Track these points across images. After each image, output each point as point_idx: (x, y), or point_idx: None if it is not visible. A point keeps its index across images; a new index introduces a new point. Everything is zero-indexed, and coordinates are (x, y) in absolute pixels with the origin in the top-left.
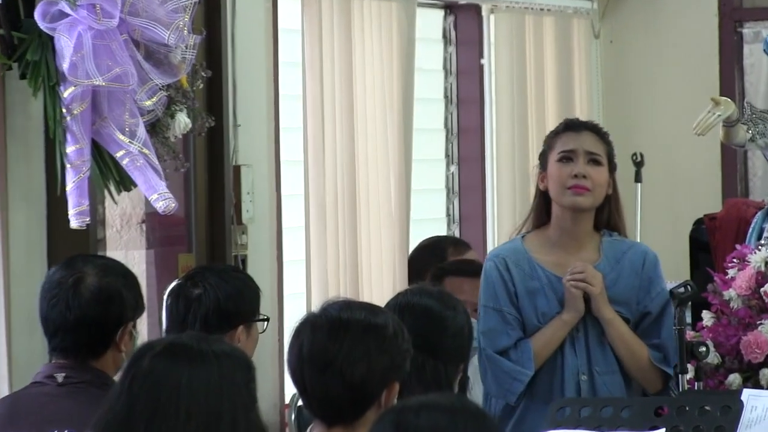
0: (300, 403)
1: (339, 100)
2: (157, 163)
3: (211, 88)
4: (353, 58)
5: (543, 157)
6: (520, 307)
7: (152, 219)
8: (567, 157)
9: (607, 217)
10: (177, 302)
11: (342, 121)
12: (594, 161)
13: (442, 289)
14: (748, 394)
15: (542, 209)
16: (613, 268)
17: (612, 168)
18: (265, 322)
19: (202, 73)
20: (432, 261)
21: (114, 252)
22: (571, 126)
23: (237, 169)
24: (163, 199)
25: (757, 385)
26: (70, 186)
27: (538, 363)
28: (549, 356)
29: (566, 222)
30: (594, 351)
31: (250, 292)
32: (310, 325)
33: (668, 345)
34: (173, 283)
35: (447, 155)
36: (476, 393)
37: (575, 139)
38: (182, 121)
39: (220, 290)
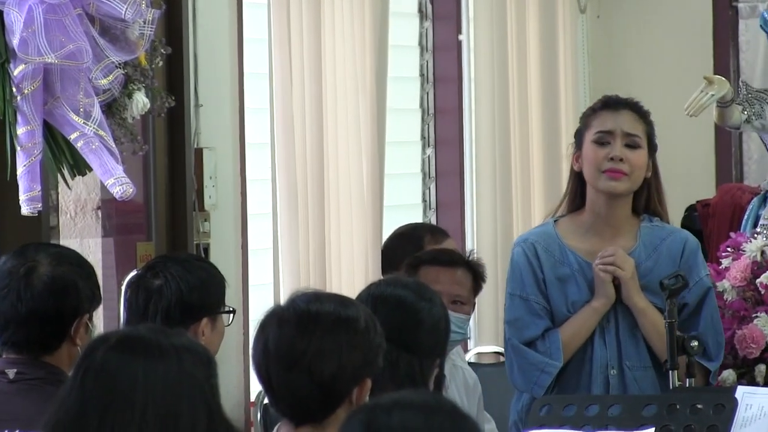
0: (266, 401)
1: (308, 79)
2: (113, 145)
3: (171, 65)
4: (323, 33)
5: (578, 136)
6: (548, 295)
7: (109, 205)
8: (603, 139)
9: (646, 201)
10: (137, 294)
11: (311, 101)
12: (632, 143)
13: (417, 279)
14: (742, 392)
15: (576, 192)
16: (650, 256)
17: (652, 149)
18: (231, 315)
19: (162, 50)
20: (408, 250)
21: (68, 240)
22: (608, 104)
23: (199, 152)
24: (120, 184)
25: (753, 382)
26: (20, 170)
27: (568, 354)
28: (579, 347)
29: (601, 207)
30: (625, 344)
31: (215, 282)
32: (276, 318)
33: (708, 337)
34: (132, 274)
35: (423, 137)
36: (453, 392)
37: (613, 118)
38: (140, 101)
39: (182, 281)
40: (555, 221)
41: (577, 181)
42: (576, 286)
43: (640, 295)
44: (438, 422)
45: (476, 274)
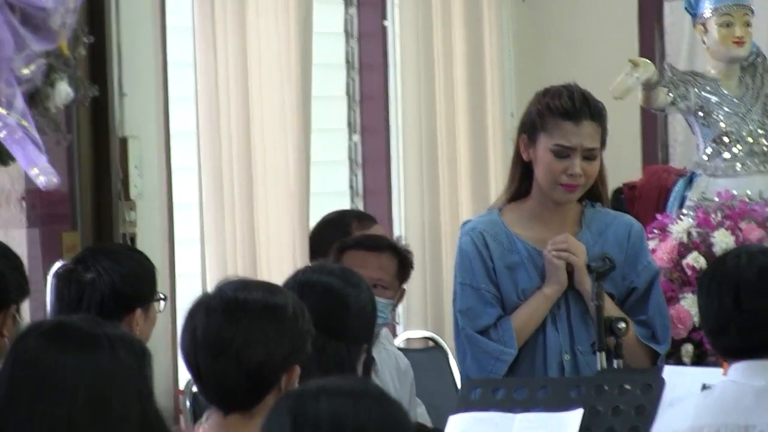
0: (195, 389)
1: (233, 67)
2: (36, 135)
3: (94, 54)
4: (247, 21)
5: (531, 127)
6: (498, 283)
7: (33, 195)
8: (563, 153)
9: (589, 188)
10: (68, 287)
11: (236, 89)
12: (591, 156)
13: (343, 266)
14: (670, 372)
15: (523, 181)
16: (596, 241)
17: (604, 145)
18: (163, 302)
19: (84, 39)
20: (336, 236)
21: None
22: (571, 114)
23: (123, 142)
24: (45, 174)
25: (680, 362)
26: None
27: (520, 341)
28: (531, 334)
29: (549, 202)
30: (577, 329)
31: (146, 272)
32: (204, 306)
33: (656, 321)
34: (60, 265)
35: (349, 124)
36: (385, 376)
37: (575, 133)
38: (63, 90)
39: (114, 273)
40: (499, 210)
41: (525, 170)
42: (526, 273)
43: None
44: (366, 407)
45: (403, 260)
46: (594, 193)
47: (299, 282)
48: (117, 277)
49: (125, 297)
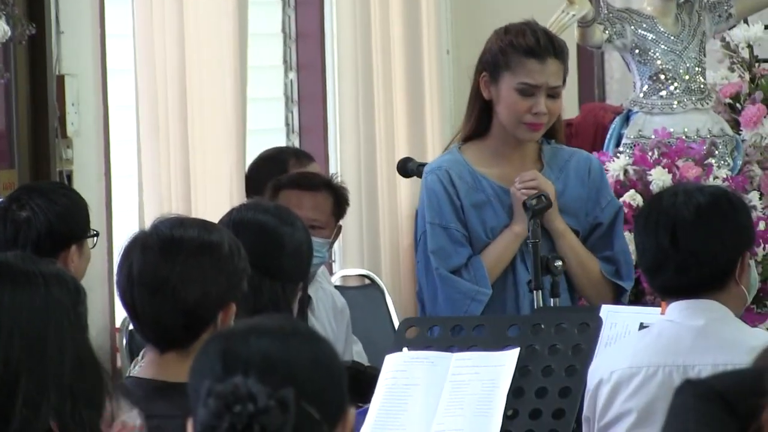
0: (132, 326)
1: (169, 4)
2: None
3: None
4: None
5: (493, 65)
6: (466, 222)
7: None
8: (528, 91)
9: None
10: (4, 226)
11: (173, 26)
12: (554, 94)
13: (279, 204)
14: (607, 311)
15: (483, 119)
16: (558, 177)
17: (564, 82)
18: (95, 238)
19: None
20: (273, 173)
21: None
22: (536, 53)
23: (61, 79)
24: None
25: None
26: None
27: (491, 280)
28: (501, 273)
29: (510, 139)
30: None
31: (80, 210)
32: (140, 244)
33: (620, 257)
34: None
35: (285, 61)
36: (321, 315)
37: (540, 71)
38: (0, 28)
39: (49, 212)
40: (459, 148)
41: (485, 108)
42: (493, 211)
43: (560, 219)
44: (295, 346)
45: (338, 197)
46: (549, 130)
47: (234, 220)
48: (52, 216)
49: (60, 235)
